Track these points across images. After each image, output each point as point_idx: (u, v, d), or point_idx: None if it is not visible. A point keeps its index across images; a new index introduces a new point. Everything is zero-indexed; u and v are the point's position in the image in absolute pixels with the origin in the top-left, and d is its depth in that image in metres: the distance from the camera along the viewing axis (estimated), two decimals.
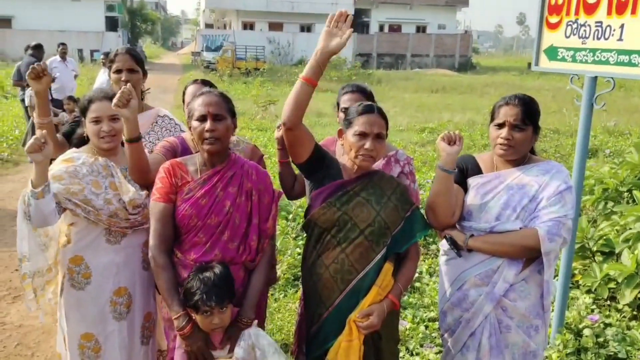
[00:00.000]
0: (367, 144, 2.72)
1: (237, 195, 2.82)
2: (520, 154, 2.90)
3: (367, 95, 3.38)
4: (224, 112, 2.79)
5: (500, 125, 2.88)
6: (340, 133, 2.89)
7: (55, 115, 8.82)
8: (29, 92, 9.18)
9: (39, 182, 2.77)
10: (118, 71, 3.57)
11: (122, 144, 3.20)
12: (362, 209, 2.79)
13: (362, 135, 2.74)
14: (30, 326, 4.79)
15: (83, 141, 3.17)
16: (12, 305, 5.15)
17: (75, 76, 11.90)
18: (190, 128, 2.84)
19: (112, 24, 42.72)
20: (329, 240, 2.81)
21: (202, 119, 2.73)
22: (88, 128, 3.05)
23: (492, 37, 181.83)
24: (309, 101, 2.69)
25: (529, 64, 4.25)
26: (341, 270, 2.77)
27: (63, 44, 11.73)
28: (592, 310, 4.72)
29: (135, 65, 3.60)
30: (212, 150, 2.76)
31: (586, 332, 4.30)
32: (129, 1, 45.54)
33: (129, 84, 2.99)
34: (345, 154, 2.88)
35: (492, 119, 2.94)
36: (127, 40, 41.93)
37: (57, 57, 11.50)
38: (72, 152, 3.10)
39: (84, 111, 3.06)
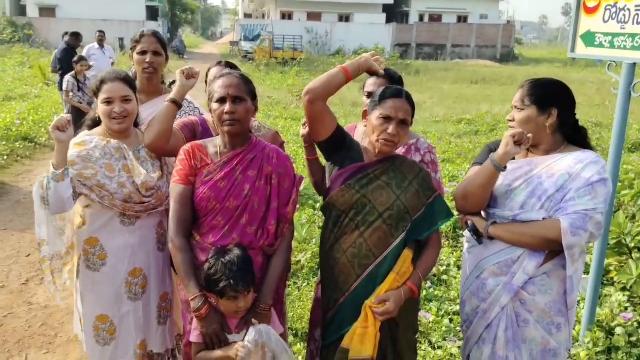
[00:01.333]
0: (390, 128, 2.67)
1: (257, 179, 2.77)
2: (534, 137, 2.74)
3: (394, 80, 3.30)
4: (243, 93, 2.74)
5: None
6: (365, 114, 2.85)
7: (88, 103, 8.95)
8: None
9: (59, 163, 2.79)
10: (143, 52, 3.55)
11: (136, 124, 3.19)
12: (381, 192, 2.73)
13: (386, 118, 2.69)
14: (55, 307, 4.85)
15: (96, 123, 3.14)
16: (39, 286, 5.22)
17: (112, 63, 12.02)
18: (210, 110, 2.80)
19: (152, 13, 43.14)
20: (346, 224, 2.76)
21: (222, 100, 2.70)
22: (100, 109, 3.03)
23: (536, 28, 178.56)
24: (337, 89, 2.78)
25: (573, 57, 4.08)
26: (358, 255, 2.72)
27: (100, 31, 11.87)
28: (626, 308, 4.54)
29: (159, 48, 3.59)
30: (232, 132, 2.72)
31: (618, 330, 4.14)
32: None
33: (188, 66, 3.17)
34: (367, 137, 2.82)
35: None
36: (167, 30, 42.31)
37: (95, 44, 11.68)
38: (84, 135, 3.08)
39: (96, 92, 3.03)
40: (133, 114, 3.07)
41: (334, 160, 2.86)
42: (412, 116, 2.78)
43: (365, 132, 2.86)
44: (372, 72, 2.90)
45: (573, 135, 2.83)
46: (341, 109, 15.34)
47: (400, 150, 3.05)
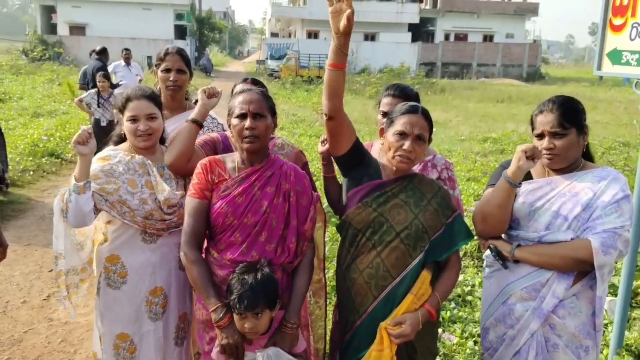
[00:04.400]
0: (406, 145, 2.62)
1: (275, 196, 2.75)
2: (570, 160, 2.69)
3: (411, 98, 3.24)
4: (264, 110, 2.73)
5: (540, 136, 2.71)
6: (382, 132, 2.81)
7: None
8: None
9: (82, 176, 2.80)
10: (167, 70, 3.56)
11: (162, 142, 3.19)
12: (399, 211, 2.68)
13: (402, 135, 2.64)
14: (76, 323, 4.84)
15: (122, 139, 3.15)
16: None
17: (140, 80, 12.15)
18: (229, 126, 2.79)
19: (180, 32, 43.70)
20: (363, 243, 2.71)
21: (242, 116, 2.69)
22: (125, 126, 3.03)
23: (563, 48, 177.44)
24: (343, 86, 2.66)
25: (601, 76, 4.03)
26: (375, 276, 2.66)
27: (127, 49, 12.05)
28: None
29: (184, 66, 3.59)
30: (251, 149, 2.70)
31: None
32: (198, 10, 46.52)
33: (218, 88, 3.20)
34: (384, 155, 2.78)
35: (532, 129, 2.77)
36: (195, 48, 42.83)
37: (122, 62, 11.84)
38: (109, 150, 3.09)
39: (122, 109, 3.04)
40: (158, 131, 3.06)
41: (352, 177, 2.82)
42: (430, 133, 2.73)
43: (382, 150, 2.82)
44: (340, 32, 2.55)
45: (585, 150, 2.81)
46: (366, 127, 15.33)
47: (416, 168, 3.00)
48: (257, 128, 2.67)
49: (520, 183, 2.65)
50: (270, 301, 2.57)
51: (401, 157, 2.64)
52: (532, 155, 2.60)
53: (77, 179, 2.79)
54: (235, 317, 2.57)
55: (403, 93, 3.23)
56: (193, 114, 3.11)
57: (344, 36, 2.55)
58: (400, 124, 2.66)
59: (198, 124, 3.10)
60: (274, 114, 2.82)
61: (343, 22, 2.50)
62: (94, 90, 9.35)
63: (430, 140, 2.75)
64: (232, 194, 2.70)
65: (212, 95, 3.20)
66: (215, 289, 2.64)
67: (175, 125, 3.38)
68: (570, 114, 2.66)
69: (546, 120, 2.68)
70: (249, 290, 2.50)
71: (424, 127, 2.67)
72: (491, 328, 2.89)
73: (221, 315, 2.58)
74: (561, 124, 2.63)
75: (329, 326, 4.49)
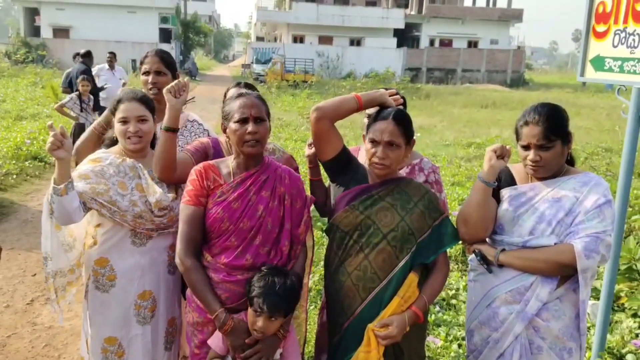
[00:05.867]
0: (378, 152, 2.66)
1: (270, 200, 2.75)
2: (554, 170, 2.73)
3: None
4: (263, 114, 2.73)
5: (526, 147, 2.73)
6: (364, 139, 2.83)
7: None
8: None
9: (61, 179, 2.74)
10: (146, 73, 3.55)
11: (152, 146, 3.18)
12: (385, 214, 2.71)
13: (373, 142, 2.69)
14: (60, 328, 4.80)
15: (114, 142, 3.15)
16: (44, 306, 5.19)
17: (124, 84, 12.09)
18: (224, 130, 2.77)
19: (165, 36, 43.52)
20: (351, 246, 2.73)
21: (243, 121, 2.67)
22: (116, 128, 3.03)
23: (547, 54, 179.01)
24: (346, 114, 2.82)
25: (584, 82, 4.06)
26: (363, 278, 2.69)
27: (111, 52, 12.02)
28: (637, 335, 4.47)
29: (163, 68, 3.54)
30: (253, 153, 2.70)
31: (629, 357, 4.09)
32: (183, 14, 46.36)
33: (186, 78, 3.07)
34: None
35: (517, 138, 2.79)
36: (180, 52, 42.69)
37: (106, 66, 11.80)
38: (100, 152, 3.08)
39: (113, 111, 3.04)
40: (148, 134, 3.05)
41: (340, 182, 2.85)
42: (407, 136, 2.73)
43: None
44: (384, 106, 2.85)
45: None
46: (352, 132, 15.36)
47: (404, 171, 3.04)
48: (259, 132, 2.67)
49: (495, 182, 2.72)
50: (288, 310, 2.64)
51: (375, 164, 2.69)
52: (501, 155, 2.69)
53: (56, 182, 2.73)
54: (251, 312, 2.59)
55: None
56: (165, 120, 2.95)
57: (383, 102, 2.84)
58: (372, 131, 2.71)
59: (172, 130, 2.95)
60: (269, 117, 2.83)
61: (392, 101, 2.84)
62: (75, 95, 9.30)
63: (412, 142, 2.78)
64: (227, 199, 2.70)
65: (178, 91, 2.97)
66: (215, 295, 2.65)
67: None
68: (556, 125, 2.66)
69: (532, 133, 2.67)
70: (275, 294, 2.54)
71: (394, 132, 2.67)
72: (476, 331, 2.92)
73: (223, 319, 2.61)
74: (547, 137, 2.64)
75: (315, 329, 4.51)
